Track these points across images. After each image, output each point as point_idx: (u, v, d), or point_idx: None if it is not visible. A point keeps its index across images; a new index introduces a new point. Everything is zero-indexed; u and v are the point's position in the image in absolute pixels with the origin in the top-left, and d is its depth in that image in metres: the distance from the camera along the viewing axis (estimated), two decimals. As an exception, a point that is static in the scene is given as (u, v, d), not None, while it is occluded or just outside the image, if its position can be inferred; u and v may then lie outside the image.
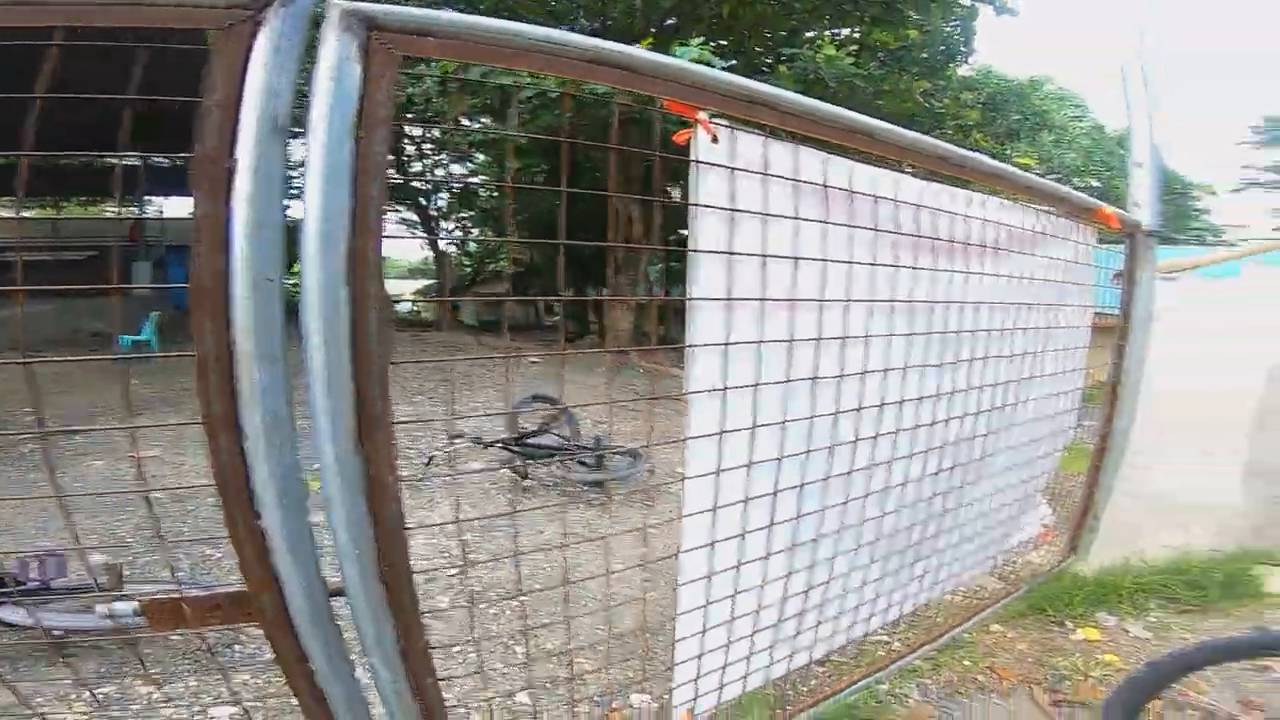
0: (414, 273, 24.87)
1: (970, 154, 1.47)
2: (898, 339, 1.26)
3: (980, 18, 10.96)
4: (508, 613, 2.39)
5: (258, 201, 0.68)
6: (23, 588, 1.66)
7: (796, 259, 1.02)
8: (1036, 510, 2.14)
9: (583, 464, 3.73)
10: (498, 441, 3.74)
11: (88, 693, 1.51)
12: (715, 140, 0.93)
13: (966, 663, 1.99)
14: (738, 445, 1.02)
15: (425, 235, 16.43)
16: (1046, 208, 1.73)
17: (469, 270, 19.64)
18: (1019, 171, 1.65)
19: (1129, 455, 2.41)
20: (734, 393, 0.99)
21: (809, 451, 1.14)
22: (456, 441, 3.80)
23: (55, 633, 1.61)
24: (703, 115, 0.92)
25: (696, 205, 0.91)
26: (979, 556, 1.91)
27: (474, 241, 19.64)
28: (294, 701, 0.86)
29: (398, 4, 0.79)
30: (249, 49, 0.69)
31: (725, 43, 9.34)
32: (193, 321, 0.67)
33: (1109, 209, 1.94)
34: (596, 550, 2.77)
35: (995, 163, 1.54)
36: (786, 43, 8.61)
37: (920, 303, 1.30)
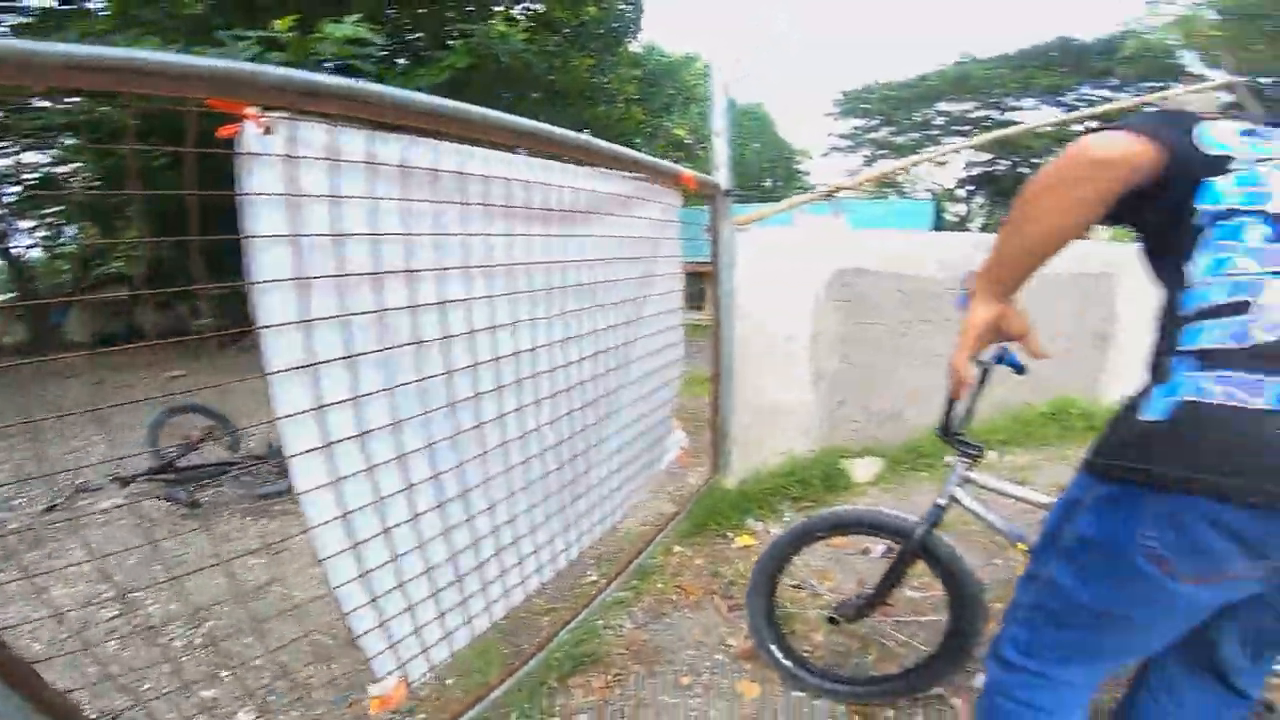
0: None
1: (557, 130, 1.69)
2: (503, 300, 1.48)
3: (648, -5, 12.18)
4: (199, 639, 2.17)
5: None
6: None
7: (363, 236, 1.14)
8: (673, 435, 2.64)
9: (264, 474, 3.42)
10: (139, 475, 3.21)
11: None
12: (268, 132, 0.98)
13: (659, 585, 2.36)
14: (341, 418, 1.12)
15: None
16: (638, 175, 2.12)
17: (66, 276, 15.68)
18: (606, 145, 1.96)
19: (736, 379, 3.09)
20: (332, 367, 1.09)
21: (426, 413, 1.29)
22: (86, 489, 3.18)
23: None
24: (251, 110, 0.97)
25: (240, 195, 0.96)
26: (634, 483, 2.31)
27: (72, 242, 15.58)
28: None
29: None
30: None
31: (396, 13, 8.82)
32: None
33: (688, 172, 2.43)
34: (292, 558, 2.64)
35: (580, 136, 1.81)
36: (466, 19, 8.48)
37: (519, 265, 1.53)
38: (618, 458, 2.10)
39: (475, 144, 1.41)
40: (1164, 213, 0.89)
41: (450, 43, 8.32)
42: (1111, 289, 4.14)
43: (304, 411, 1.05)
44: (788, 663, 1.77)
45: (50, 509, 3.12)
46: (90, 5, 8.20)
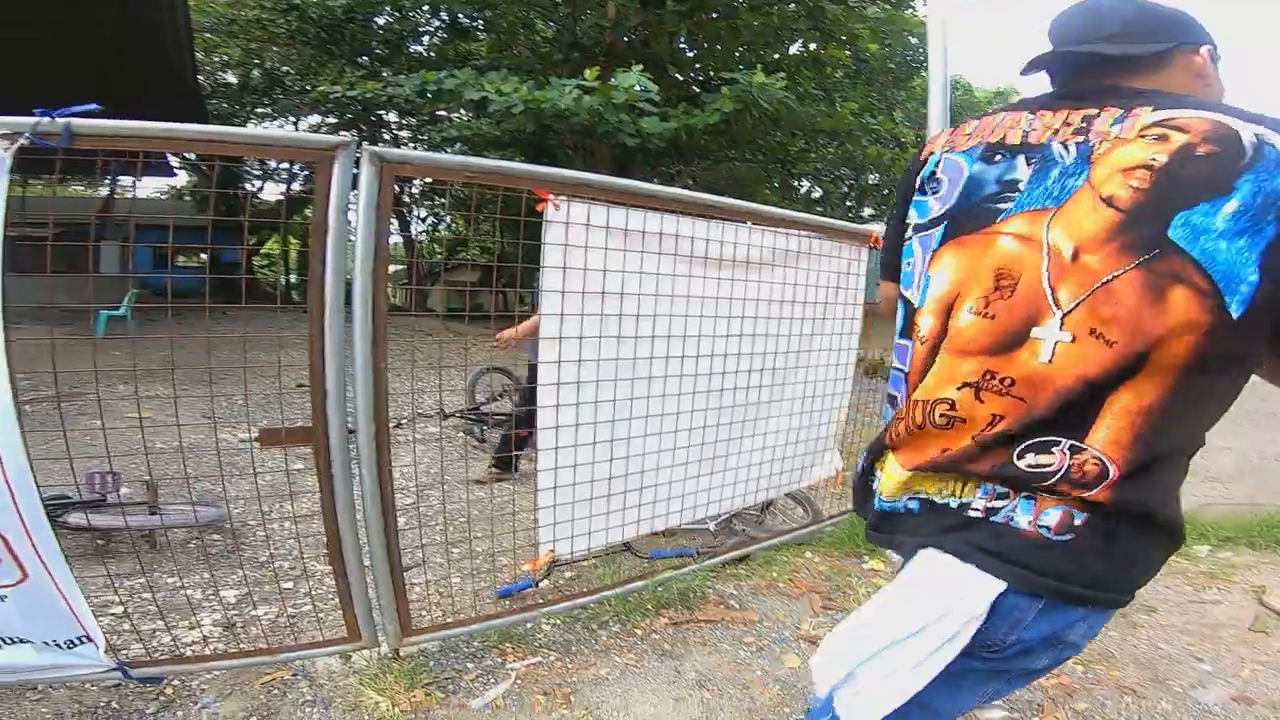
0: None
1: (757, 206, 2.48)
2: (692, 320, 2.24)
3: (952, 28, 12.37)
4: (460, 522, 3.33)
5: (337, 239, 1.61)
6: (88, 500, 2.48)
7: (602, 270, 1.99)
8: (829, 455, 3.12)
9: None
10: (455, 413, 4.67)
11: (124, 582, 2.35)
12: (556, 207, 1.88)
13: (774, 573, 2.93)
14: (567, 391, 1.99)
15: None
16: (822, 235, 2.71)
17: (438, 257, 20.98)
18: (797, 215, 2.65)
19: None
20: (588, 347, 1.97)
21: (617, 385, 2.11)
22: (420, 415, 4.78)
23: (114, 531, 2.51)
24: (550, 196, 1.87)
25: (546, 243, 1.87)
26: (776, 480, 2.87)
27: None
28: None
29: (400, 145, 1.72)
30: (330, 167, 1.61)
31: (674, 66, 10.51)
32: (310, 290, 1.59)
33: (877, 232, 2.93)
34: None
35: (781, 211, 2.54)
36: (733, 64, 9.74)
37: (707, 298, 2.28)
38: (759, 455, 2.69)
39: (686, 213, 2.19)
40: None
41: (715, 86, 9.56)
42: None
43: (551, 384, 1.94)
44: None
45: (397, 425, 4.75)
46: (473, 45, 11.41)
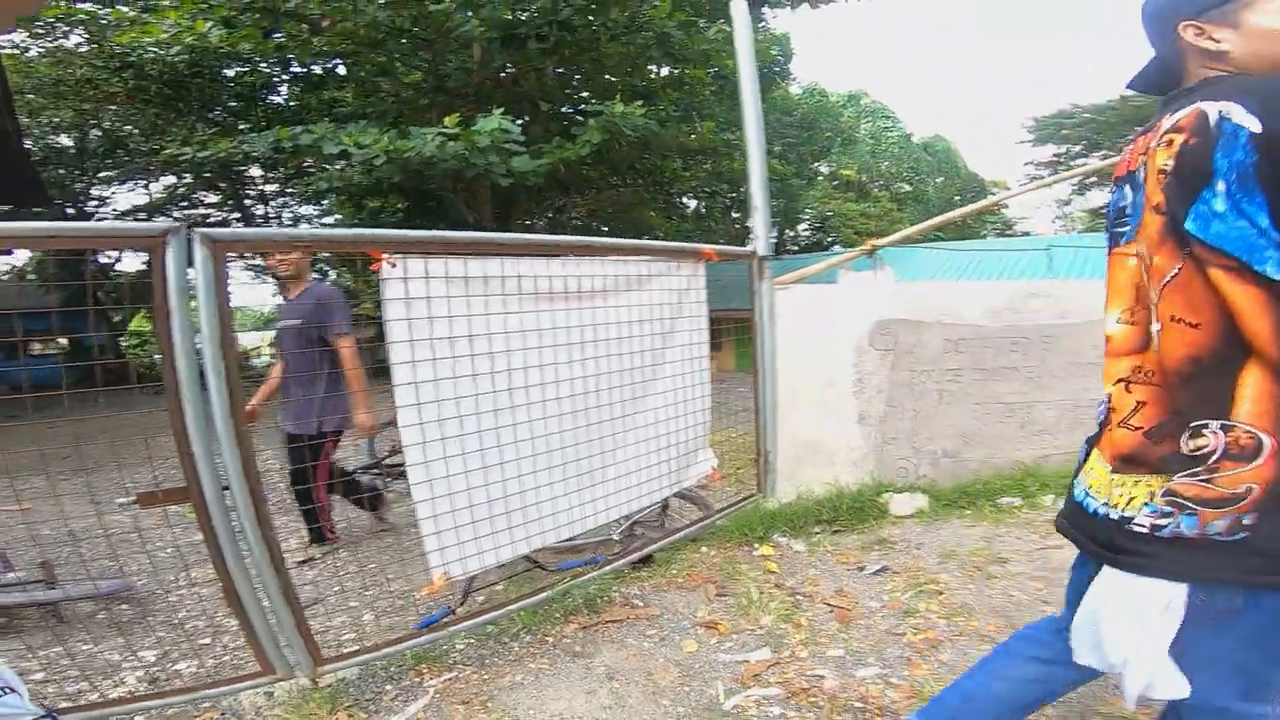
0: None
1: (589, 240, 2.75)
2: (559, 349, 2.47)
3: (801, 39, 13.41)
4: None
5: (181, 319, 1.73)
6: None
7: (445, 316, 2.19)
8: (704, 455, 3.42)
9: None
10: (356, 469, 4.72)
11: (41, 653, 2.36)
12: (392, 265, 2.06)
13: (673, 571, 3.13)
14: (429, 415, 2.17)
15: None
16: (659, 257, 3.02)
17: None
18: (628, 242, 2.95)
19: (780, 414, 3.77)
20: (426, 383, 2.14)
21: (482, 411, 2.30)
22: None
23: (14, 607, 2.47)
24: (384, 256, 2.05)
25: (385, 299, 2.04)
26: (658, 484, 3.13)
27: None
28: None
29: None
30: (163, 252, 1.73)
31: (545, 101, 10.88)
32: (165, 368, 1.69)
33: (708, 248, 3.26)
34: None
35: (614, 241, 2.83)
36: (605, 94, 10.18)
37: (569, 328, 2.53)
38: (636, 463, 2.95)
39: (526, 254, 2.43)
40: None
41: (580, 119, 10.00)
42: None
43: (411, 406, 2.11)
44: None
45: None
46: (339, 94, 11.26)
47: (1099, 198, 24.02)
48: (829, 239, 23.33)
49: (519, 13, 8.67)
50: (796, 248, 23.21)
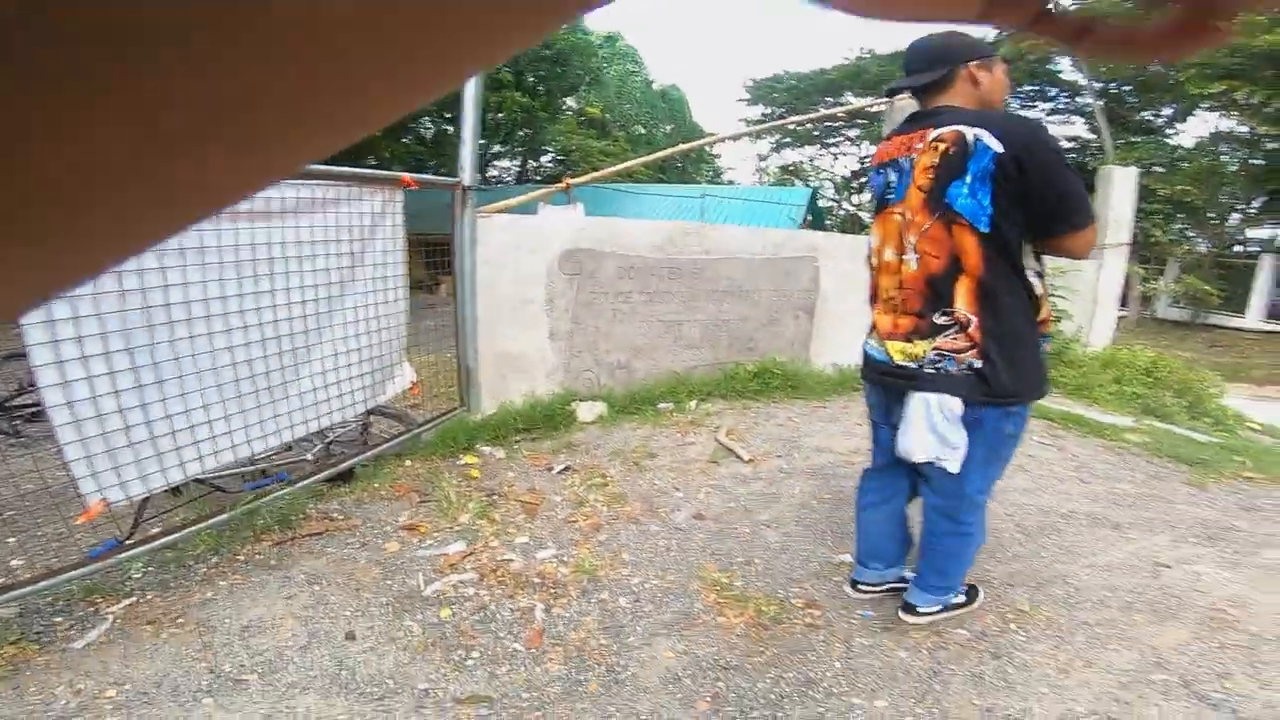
0: None
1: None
2: (227, 266, 2.46)
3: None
4: None
5: None
6: None
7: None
8: (400, 372, 3.64)
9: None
10: None
11: None
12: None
13: (376, 485, 3.25)
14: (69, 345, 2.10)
15: None
16: (350, 183, 3.10)
17: None
18: (323, 167, 2.97)
19: (483, 332, 4.13)
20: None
21: (151, 327, 2.27)
22: None
23: None
24: None
25: None
26: (351, 399, 3.29)
27: None
28: None
29: None
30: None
31: None
32: None
33: (408, 176, 3.41)
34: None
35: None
36: None
37: (239, 246, 2.52)
38: (321, 380, 3.08)
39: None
40: None
41: None
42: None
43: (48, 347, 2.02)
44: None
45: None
46: None
47: (791, 156, 28.36)
48: (569, 172, 23.93)
49: None
50: (539, 178, 23.41)
